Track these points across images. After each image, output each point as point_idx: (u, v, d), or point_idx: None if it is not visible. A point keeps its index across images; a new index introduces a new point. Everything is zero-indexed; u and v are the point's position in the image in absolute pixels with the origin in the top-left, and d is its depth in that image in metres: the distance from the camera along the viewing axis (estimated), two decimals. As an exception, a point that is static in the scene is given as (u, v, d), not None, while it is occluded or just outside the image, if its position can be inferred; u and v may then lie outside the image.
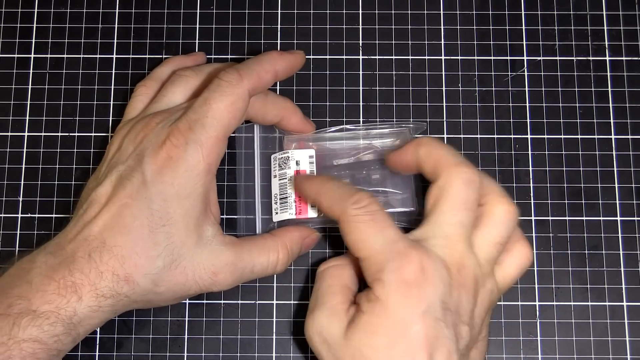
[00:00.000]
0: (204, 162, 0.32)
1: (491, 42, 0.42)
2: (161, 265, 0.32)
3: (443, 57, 0.42)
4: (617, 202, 0.40)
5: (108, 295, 0.31)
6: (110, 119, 0.41)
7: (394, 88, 0.41)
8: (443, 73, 0.41)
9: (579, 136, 0.41)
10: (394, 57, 0.42)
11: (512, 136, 0.41)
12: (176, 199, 0.32)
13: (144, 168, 0.32)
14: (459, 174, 0.31)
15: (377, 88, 0.41)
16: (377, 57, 0.42)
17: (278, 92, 0.41)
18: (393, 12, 0.42)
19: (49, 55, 0.42)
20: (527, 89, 0.41)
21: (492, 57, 0.42)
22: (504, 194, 0.33)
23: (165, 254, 0.32)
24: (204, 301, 0.39)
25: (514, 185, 0.40)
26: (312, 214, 0.37)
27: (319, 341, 0.32)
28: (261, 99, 0.36)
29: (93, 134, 0.41)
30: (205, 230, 0.34)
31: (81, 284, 0.31)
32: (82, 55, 0.42)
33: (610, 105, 0.41)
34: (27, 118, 0.41)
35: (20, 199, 0.40)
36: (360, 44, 0.42)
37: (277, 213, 0.38)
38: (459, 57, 0.42)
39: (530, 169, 0.40)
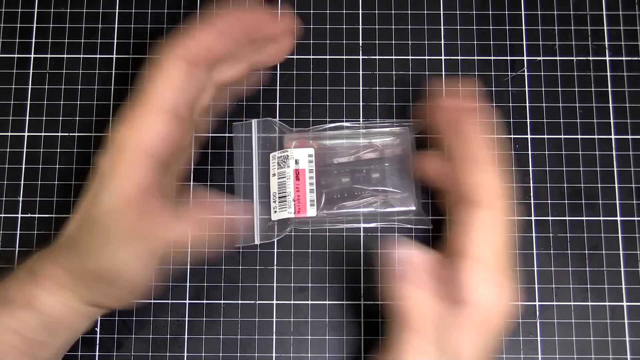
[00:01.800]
0: (137, 139, 0.31)
1: (491, 42, 0.42)
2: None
3: (443, 57, 0.42)
4: (617, 202, 0.40)
5: (67, 287, 0.31)
6: (110, 119, 0.41)
7: (394, 88, 0.41)
8: (443, 73, 0.41)
9: (579, 136, 0.41)
10: (394, 57, 0.42)
11: (512, 136, 0.41)
12: (109, 183, 0.31)
13: (101, 165, 0.32)
14: (493, 227, 0.31)
15: (377, 88, 0.41)
16: (377, 57, 0.42)
17: (278, 91, 0.41)
18: (393, 12, 0.42)
19: (49, 55, 0.42)
20: (527, 89, 0.41)
21: (492, 57, 0.42)
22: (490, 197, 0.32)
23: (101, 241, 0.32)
24: (204, 301, 0.39)
25: (514, 185, 0.40)
26: (311, 212, 0.37)
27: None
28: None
29: (93, 134, 0.41)
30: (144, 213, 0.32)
31: (50, 274, 0.31)
32: (82, 55, 0.42)
33: (610, 105, 0.41)
34: (27, 118, 0.41)
35: (20, 199, 0.40)
36: (360, 44, 0.42)
37: (275, 212, 0.38)
38: (459, 57, 0.42)
39: (530, 169, 0.40)
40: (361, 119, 0.41)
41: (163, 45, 0.32)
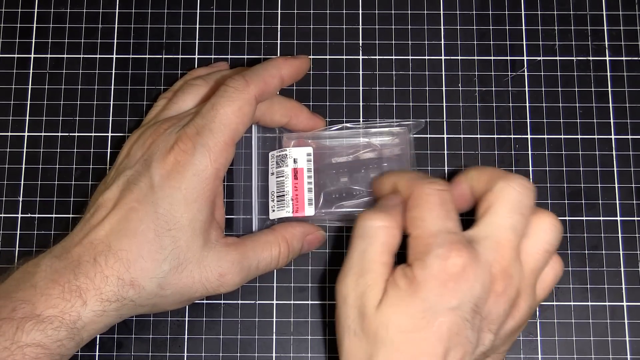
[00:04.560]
0: (212, 167, 0.33)
1: (491, 42, 0.42)
2: (167, 268, 0.32)
3: (443, 57, 0.42)
4: (617, 202, 0.40)
5: (113, 300, 0.31)
6: (110, 119, 0.41)
7: (394, 88, 0.41)
8: (443, 73, 0.41)
9: (579, 136, 0.41)
10: (394, 57, 0.42)
11: (512, 136, 0.41)
12: (183, 203, 0.32)
13: (151, 172, 0.33)
14: (516, 180, 0.31)
15: (377, 88, 0.41)
16: (377, 57, 0.42)
17: (278, 92, 0.41)
18: (393, 12, 0.42)
19: (49, 55, 0.42)
20: (527, 89, 0.41)
21: (492, 57, 0.42)
22: (549, 211, 0.33)
23: (172, 257, 0.32)
24: (204, 301, 0.39)
25: (514, 185, 0.40)
26: (309, 211, 0.37)
27: (352, 305, 0.31)
28: (267, 101, 0.37)
29: (93, 134, 0.41)
30: (210, 234, 0.34)
31: (86, 288, 0.31)
32: (82, 55, 0.42)
33: (610, 105, 0.41)
34: (27, 118, 0.41)
35: (20, 199, 0.40)
36: (360, 44, 0.42)
37: (274, 211, 0.38)
38: (459, 57, 0.42)
39: (530, 169, 0.40)
40: (361, 119, 0.41)
41: (239, 78, 0.34)
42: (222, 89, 0.34)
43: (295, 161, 0.38)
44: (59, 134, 0.41)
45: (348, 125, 0.40)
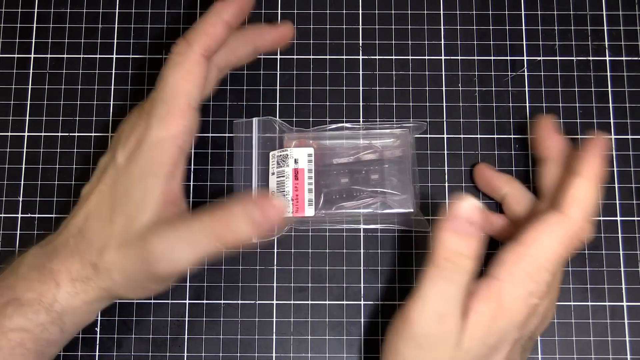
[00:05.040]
0: (168, 135, 0.32)
1: (491, 42, 0.42)
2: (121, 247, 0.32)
3: (443, 57, 0.42)
4: (617, 202, 0.40)
5: (79, 279, 0.32)
6: (110, 119, 0.41)
7: (394, 88, 0.41)
8: (443, 73, 0.41)
9: (579, 136, 0.41)
10: (394, 57, 0.42)
11: (512, 136, 0.41)
12: (138, 179, 0.32)
13: (117, 155, 0.33)
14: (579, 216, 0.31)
15: (377, 88, 0.41)
16: (377, 57, 0.42)
17: (278, 91, 0.41)
18: (393, 12, 0.42)
19: (49, 55, 0.42)
20: (527, 89, 0.41)
21: (492, 57, 0.42)
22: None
23: (126, 235, 0.32)
24: (204, 301, 0.39)
25: (514, 185, 0.40)
26: (309, 212, 0.37)
27: (431, 334, 0.30)
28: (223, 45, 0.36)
29: (93, 134, 0.41)
30: (166, 208, 0.32)
31: (58, 270, 0.32)
32: (82, 55, 0.42)
33: (610, 105, 0.41)
34: (27, 118, 0.41)
35: (20, 199, 0.40)
36: (360, 44, 0.42)
37: None
38: (459, 57, 0.42)
39: (531, 169, 0.40)
40: (361, 119, 0.41)
41: (180, 41, 0.33)
42: (169, 57, 0.33)
43: (296, 161, 0.38)
44: (59, 134, 0.41)
45: (349, 125, 0.40)
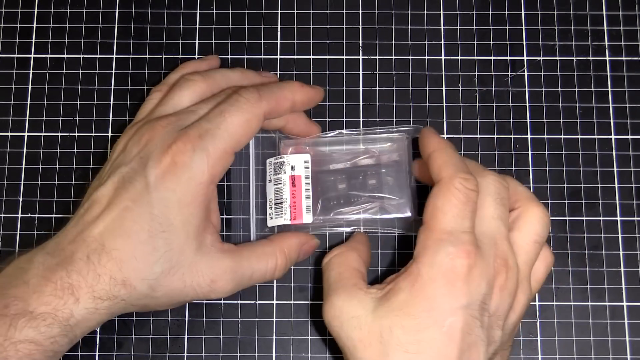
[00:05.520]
0: (208, 173, 0.32)
1: (491, 42, 0.42)
2: (159, 270, 0.32)
3: (443, 57, 0.42)
4: (617, 202, 0.40)
5: (105, 298, 0.31)
6: (110, 119, 0.41)
7: (394, 88, 0.41)
8: (443, 73, 0.41)
9: (579, 136, 0.41)
10: (394, 57, 0.42)
11: (512, 136, 0.41)
12: (177, 206, 0.32)
13: (147, 172, 0.32)
14: (489, 174, 0.32)
15: (377, 88, 0.41)
16: (377, 57, 0.42)
17: (278, 92, 0.41)
18: (393, 12, 0.42)
19: (49, 55, 0.42)
20: (527, 89, 0.41)
21: (492, 57, 0.42)
22: (535, 197, 0.33)
23: (164, 260, 0.32)
24: (204, 301, 0.39)
25: (514, 185, 0.40)
26: (307, 219, 0.37)
27: (338, 325, 0.32)
28: None
29: (93, 134, 0.41)
30: (205, 238, 0.33)
31: (78, 285, 0.31)
32: (82, 55, 0.42)
33: (610, 105, 0.41)
34: (27, 118, 0.41)
35: (20, 199, 0.40)
36: (360, 44, 0.42)
37: (272, 218, 0.38)
38: (459, 57, 0.42)
39: (530, 169, 0.40)
40: (361, 119, 0.41)
41: (252, 90, 0.34)
42: (233, 98, 0.34)
43: (293, 168, 0.38)
44: (59, 134, 0.41)
45: (345, 131, 0.40)
